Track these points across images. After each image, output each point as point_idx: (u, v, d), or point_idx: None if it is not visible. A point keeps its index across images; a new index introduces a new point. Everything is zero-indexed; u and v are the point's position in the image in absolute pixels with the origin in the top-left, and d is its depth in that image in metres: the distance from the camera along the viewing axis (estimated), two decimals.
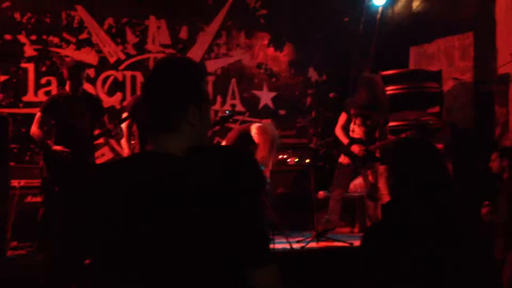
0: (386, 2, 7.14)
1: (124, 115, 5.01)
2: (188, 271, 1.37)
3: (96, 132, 4.77)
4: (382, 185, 5.24)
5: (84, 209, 1.49)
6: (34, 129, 4.55)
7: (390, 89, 6.05)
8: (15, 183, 4.90)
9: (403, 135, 5.25)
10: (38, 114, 4.60)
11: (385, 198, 4.93)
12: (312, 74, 7.78)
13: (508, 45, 5.75)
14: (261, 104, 7.48)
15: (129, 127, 5.08)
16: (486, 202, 4.54)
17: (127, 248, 1.41)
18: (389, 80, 6.09)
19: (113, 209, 1.43)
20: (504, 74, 5.74)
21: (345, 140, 5.27)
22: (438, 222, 1.93)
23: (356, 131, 5.29)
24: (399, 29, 6.96)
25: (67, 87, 4.68)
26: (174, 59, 1.66)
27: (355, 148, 5.17)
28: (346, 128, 5.34)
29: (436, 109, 6.01)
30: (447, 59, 6.54)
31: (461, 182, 5.71)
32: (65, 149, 4.44)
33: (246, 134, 5.10)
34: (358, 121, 5.28)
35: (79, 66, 4.72)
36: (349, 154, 5.24)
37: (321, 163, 6.11)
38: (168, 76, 1.52)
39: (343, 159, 5.33)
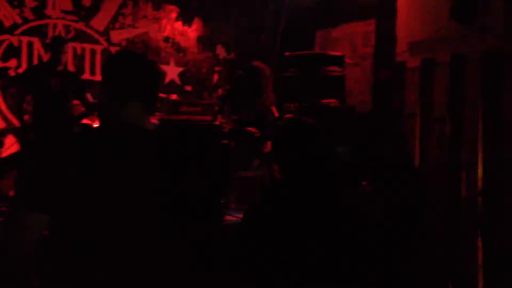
0: None
1: None
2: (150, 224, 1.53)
3: None
4: None
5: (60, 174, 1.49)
6: None
7: (294, 71, 6.13)
8: None
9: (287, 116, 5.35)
10: None
11: None
12: (220, 51, 7.73)
13: (406, 34, 5.97)
14: (168, 79, 7.34)
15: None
16: (364, 183, 4.78)
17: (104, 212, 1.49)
18: (293, 62, 6.17)
19: (91, 176, 1.49)
20: (401, 62, 5.97)
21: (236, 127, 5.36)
22: (315, 204, 1.94)
23: (245, 115, 5.42)
24: (307, 11, 7.05)
25: None
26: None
27: (248, 131, 5.28)
28: (233, 115, 5.45)
29: (338, 92, 6.17)
30: (351, 45, 6.73)
31: (358, 165, 5.92)
32: None
33: None
34: (246, 106, 5.40)
35: None
36: (243, 139, 5.33)
37: (225, 140, 6.10)
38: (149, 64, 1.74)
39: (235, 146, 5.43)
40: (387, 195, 4.18)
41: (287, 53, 6.30)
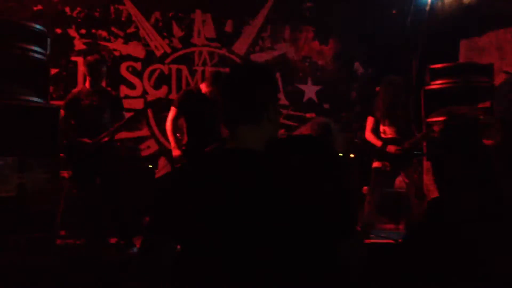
0: None
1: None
2: (287, 250, 1.52)
3: (116, 125, 4.79)
4: (429, 181, 5.13)
5: (180, 201, 1.54)
6: (61, 124, 4.67)
7: (438, 83, 5.90)
8: (64, 173, 5.02)
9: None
10: (61, 112, 4.70)
11: (432, 194, 4.84)
12: (358, 67, 7.69)
13: None
14: (305, 98, 7.44)
15: (174, 120, 5.09)
16: None
17: (227, 235, 1.51)
18: (438, 74, 5.94)
19: (212, 201, 1.52)
20: None
21: (378, 143, 5.20)
22: (482, 219, 1.87)
23: (388, 131, 5.24)
24: (449, 22, 6.79)
25: (87, 83, 4.75)
26: (253, 64, 1.91)
27: (391, 148, 5.10)
28: (376, 131, 5.29)
29: (487, 104, 5.83)
30: (499, 53, 6.35)
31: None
32: (88, 141, 4.54)
33: (327, 125, 5.10)
34: (387, 122, 5.23)
35: (99, 62, 4.79)
36: (386, 156, 5.17)
37: (366, 157, 6.03)
38: (253, 79, 1.68)
39: (377, 164, 5.27)
40: None
41: (430, 66, 6.09)
